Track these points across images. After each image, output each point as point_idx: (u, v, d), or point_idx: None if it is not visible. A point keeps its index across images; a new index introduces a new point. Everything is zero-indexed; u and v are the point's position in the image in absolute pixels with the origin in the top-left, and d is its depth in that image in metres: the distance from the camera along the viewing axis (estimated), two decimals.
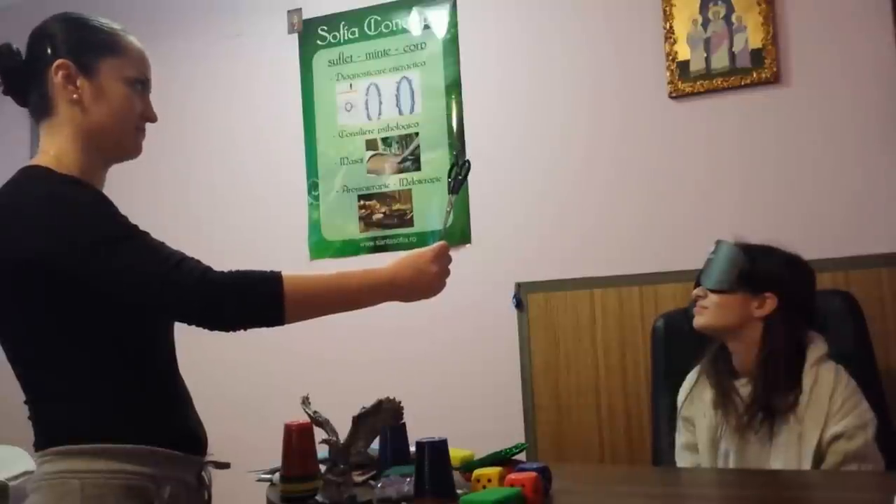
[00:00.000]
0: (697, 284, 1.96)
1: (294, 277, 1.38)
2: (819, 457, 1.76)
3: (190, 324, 1.35)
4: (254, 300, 1.35)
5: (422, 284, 1.51)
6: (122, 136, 1.47)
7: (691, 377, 2.00)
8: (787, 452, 1.79)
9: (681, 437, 1.99)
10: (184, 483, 1.42)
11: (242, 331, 1.38)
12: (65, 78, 1.41)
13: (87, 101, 1.43)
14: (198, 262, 1.35)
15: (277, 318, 1.36)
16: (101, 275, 1.32)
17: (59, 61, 1.41)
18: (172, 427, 1.43)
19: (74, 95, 1.42)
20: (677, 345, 2.20)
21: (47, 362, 1.37)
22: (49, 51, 1.43)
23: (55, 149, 1.42)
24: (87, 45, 1.44)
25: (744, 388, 1.88)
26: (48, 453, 1.34)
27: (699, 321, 1.93)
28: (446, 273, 1.54)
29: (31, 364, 1.39)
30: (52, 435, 1.36)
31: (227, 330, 1.36)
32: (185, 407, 1.49)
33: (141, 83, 1.49)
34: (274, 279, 1.36)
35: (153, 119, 1.52)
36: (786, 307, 1.87)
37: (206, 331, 1.37)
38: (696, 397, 1.96)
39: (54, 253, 1.32)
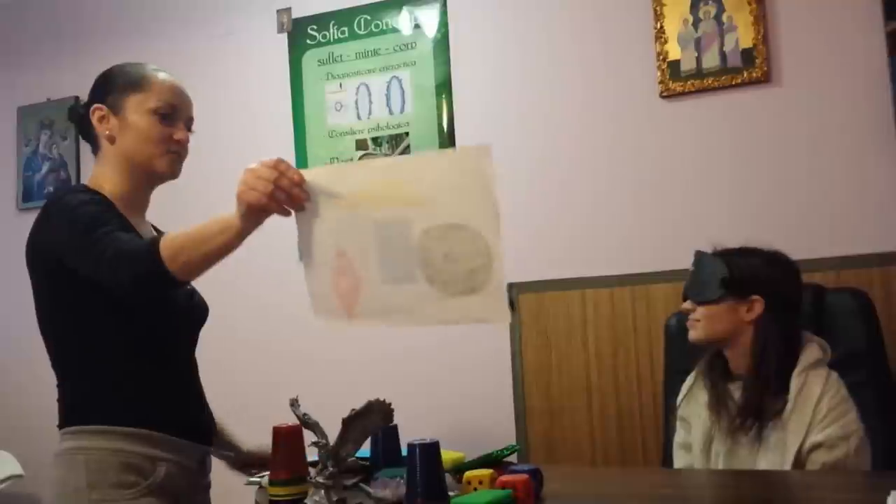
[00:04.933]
0: (685, 298, 1.95)
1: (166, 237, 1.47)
2: (799, 464, 1.74)
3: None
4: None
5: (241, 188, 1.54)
6: (148, 160, 1.65)
7: (690, 378, 2.00)
8: (771, 457, 1.78)
9: (677, 436, 2.00)
10: (180, 465, 1.58)
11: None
12: (99, 119, 1.65)
13: (117, 135, 1.64)
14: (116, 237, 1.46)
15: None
16: (78, 260, 1.49)
17: (94, 106, 1.66)
18: (170, 414, 1.59)
19: (107, 132, 1.65)
20: (689, 343, 2.17)
21: (61, 350, 1.60)
22: (92, 98, 1.68)
23: (96, 174, 1.66)
24: (115, 87, 1.66)
25: (737, 390, 1.87)
26: (66, 432, 1.56)
27: (693, 335, 1.92)
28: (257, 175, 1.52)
29: (50, 351, 1.61)
30: (66, 416, 1.58)
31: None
32: (187, 397, 1.66)
33: (166, 111, 1.65)
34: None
35: (180, 140, 1.68)
36: (773, 307, 1.86)
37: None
38: (692, 398, 1.96)
39: (50, 245, 1.53)
